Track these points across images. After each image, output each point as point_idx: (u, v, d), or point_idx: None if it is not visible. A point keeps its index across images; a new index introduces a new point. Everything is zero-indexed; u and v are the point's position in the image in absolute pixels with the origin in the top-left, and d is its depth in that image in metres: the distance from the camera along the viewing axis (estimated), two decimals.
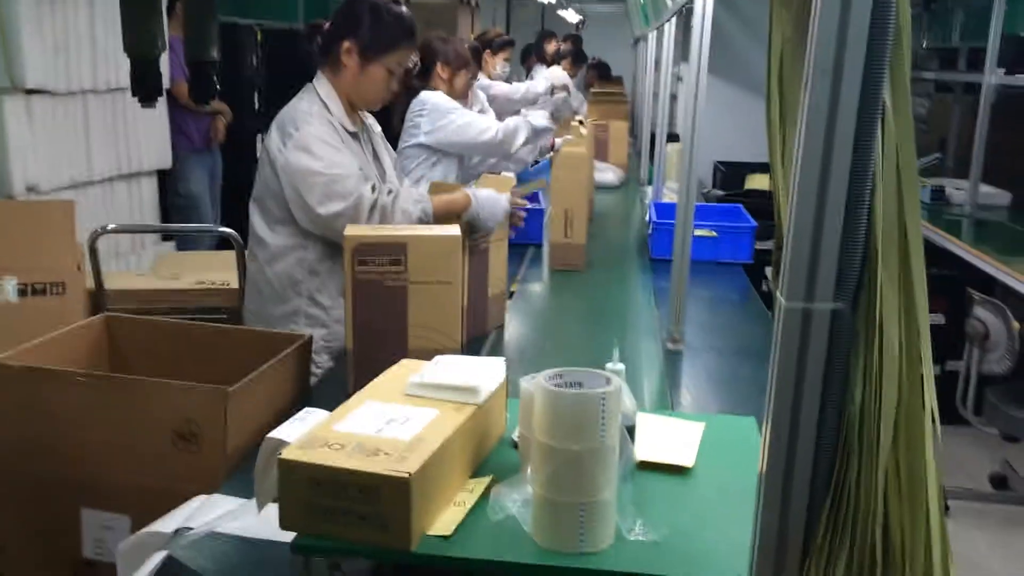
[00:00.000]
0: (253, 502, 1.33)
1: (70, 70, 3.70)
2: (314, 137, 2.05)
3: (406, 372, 1.37)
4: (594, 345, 2.21)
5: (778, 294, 0.88)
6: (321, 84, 2.16)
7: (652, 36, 4.54)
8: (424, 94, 3.12)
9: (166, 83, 4.15)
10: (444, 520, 1.12)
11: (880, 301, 0.85)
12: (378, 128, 2.39)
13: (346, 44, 2.12)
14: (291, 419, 1.23)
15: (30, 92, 3.50)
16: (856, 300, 0.87)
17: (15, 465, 1.71)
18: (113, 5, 3.78)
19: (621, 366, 1.24)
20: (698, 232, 3.03)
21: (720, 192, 4.60)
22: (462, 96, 3.30)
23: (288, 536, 1.22)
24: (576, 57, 7.00)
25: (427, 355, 1.49)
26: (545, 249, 3.11)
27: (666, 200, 3.72)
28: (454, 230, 1.79)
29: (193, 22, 1.62)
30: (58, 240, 2.39)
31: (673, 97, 5.67)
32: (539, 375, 1.10)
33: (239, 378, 1.68)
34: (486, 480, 1.23)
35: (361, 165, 2.15)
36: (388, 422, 1.19)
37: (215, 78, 1.62)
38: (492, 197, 2.18)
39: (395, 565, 1.15)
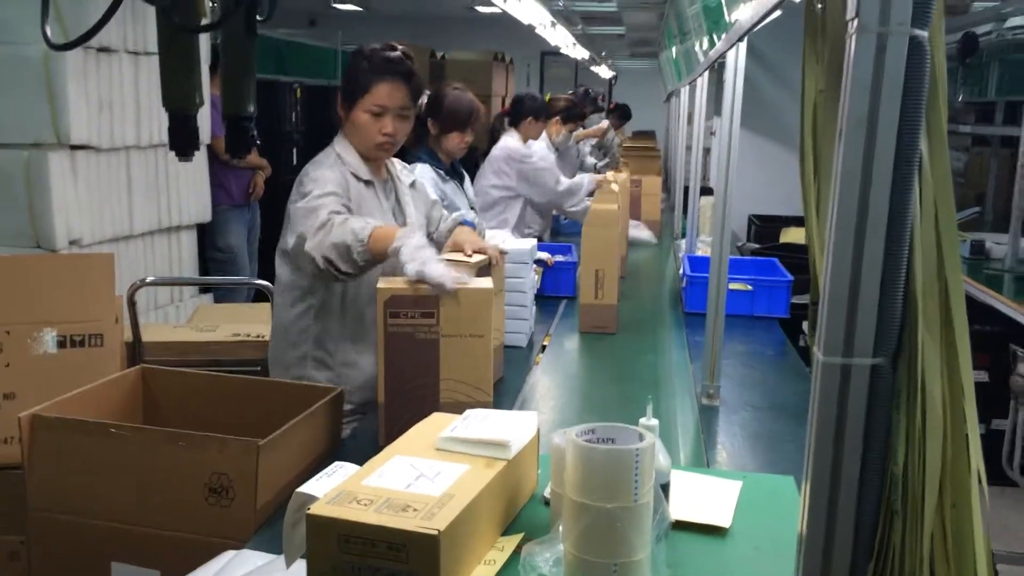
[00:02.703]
0: (281, 558, 1.32)
1: (113, 126, 3.79)
2: (311, 179, 2.10)
3: (436, 426, 1.35)
4: (627, 401, 2.18)
5: (815, 349, 0.86)
6: (338, 139, 2.22)
7: (685, 91, 4.57)
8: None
9: (206, 138, 4.25)
10: None
11: (921, 357, 0.83)
12: (409, 179, 2.36)
13: (339, 97, 2.20)
14: (320, 473, 1.22)
15: (75, 148, 3.59)
16: (897, 356, 0.85)
17: (47, 515, 1.71)
18: (156, 63, 3.90)
19: (655, 422, 1.22)
20: (733, 286, 3.01)
21: (755, 246, 4.58)
22: (450, 157, 3.22)
23: None
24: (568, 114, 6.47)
25: (458, 408, 1.48)
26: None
27: (700, 254, 3.70)
28: (486, 283, 1.79)
29: (230, 77, 1.65)
30: (97, 292, 2.43)
31: (706, 151, 5.69)
32: (571, 430, 1.08)
33: (272, 430, 1.68)
34: (517, 538, 1.21)
35: (371, 213, 2.13)
36: (418, 477, 1.17)
37: (252, 132, 1.65)
38: (421, 247, 1.88)
39: None
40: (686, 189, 4.37)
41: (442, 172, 3.05)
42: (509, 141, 4.01)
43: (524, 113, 4.12)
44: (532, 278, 2.70)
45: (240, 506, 1.62)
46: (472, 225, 2.22)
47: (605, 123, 6.48)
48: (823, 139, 0.98)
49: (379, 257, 1.90)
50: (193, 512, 1.63)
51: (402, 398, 1.76)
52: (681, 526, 1.23)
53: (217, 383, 2.02)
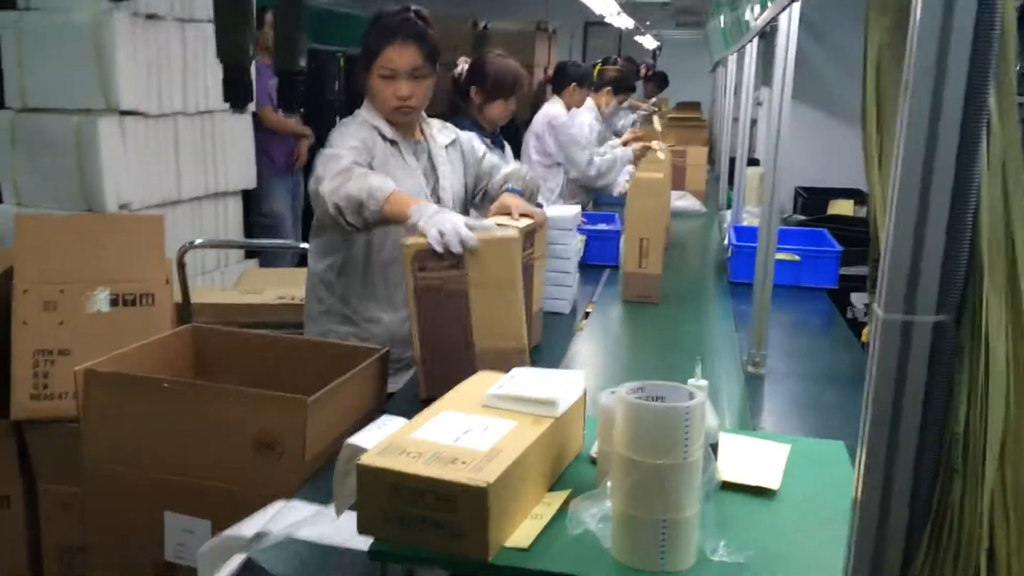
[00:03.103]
0: (329, 509, 1.34)
1: (162, 93, 3.84)
2: (338, 134, 2.14)
3: (483, 384, 1.36)
4: (671, 369, 2.16)
5: (875, 306, 0.85)
6: (365, 104, 2.24)
7: (732, 60, 4.49)
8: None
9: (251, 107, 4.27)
10: (521, 532, 1.11)
11: (986, 314, 0.81)
12: (444, 140, 2.32)
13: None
14: (369, 426, 1.23)
15: (124, 113, 3.63)
16: (960, 313, 0.83)
17: (102, 467, 1.76)
18: (203, 31, 3.93)
19: (704, 382, 1.21)
20: (780, 256, 2.96)
21: (801, 217, 4.50)
22: (492, 126, 3.20)
23: (362, 543, 1.22)
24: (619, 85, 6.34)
25: (493, 358, 1.49)
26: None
27: (746, 224, 3.66)
28: (512, 232, 1.78)
29: (283, 33, 1.66)
30: (148, 253, 2.47)
31: (753, 122, 5.59)
32: (621, 388, 1.08)
33: (319, 389, 1.70)
34: (564, 494, 1.21)
35: (394, 173, 2.13)
36: (465, 432, 1.18)
37: (302, 88, 1.67)
38: (437, 212, 1.86)
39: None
40: (732, 160, 4.31)
41: (486, 141, 3.03)
42: (550, 108, 3.98)
43: (568, 80, 4.08)
44: (575, 245, 2.68)
45: (288, 461, 1.65)
46: (520, 193, 2.20)
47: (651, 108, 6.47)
48: (887, 92, 0.96)
49: (390, 220, 1.92)
50: (243, 465, 1.66)
51: (438, 351, 1.77)
52: (729, 487, 1.22)
53: (266, 343, 2.05)
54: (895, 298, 0.82)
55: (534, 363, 2.08)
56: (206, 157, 4.16)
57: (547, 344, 2.48)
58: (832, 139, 5.08)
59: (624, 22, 7.87)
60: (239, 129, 4.38)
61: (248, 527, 1.42)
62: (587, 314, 2.69)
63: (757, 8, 2.53)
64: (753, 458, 1.32)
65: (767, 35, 3.37)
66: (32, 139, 3.60)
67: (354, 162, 2.02)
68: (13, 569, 2.38)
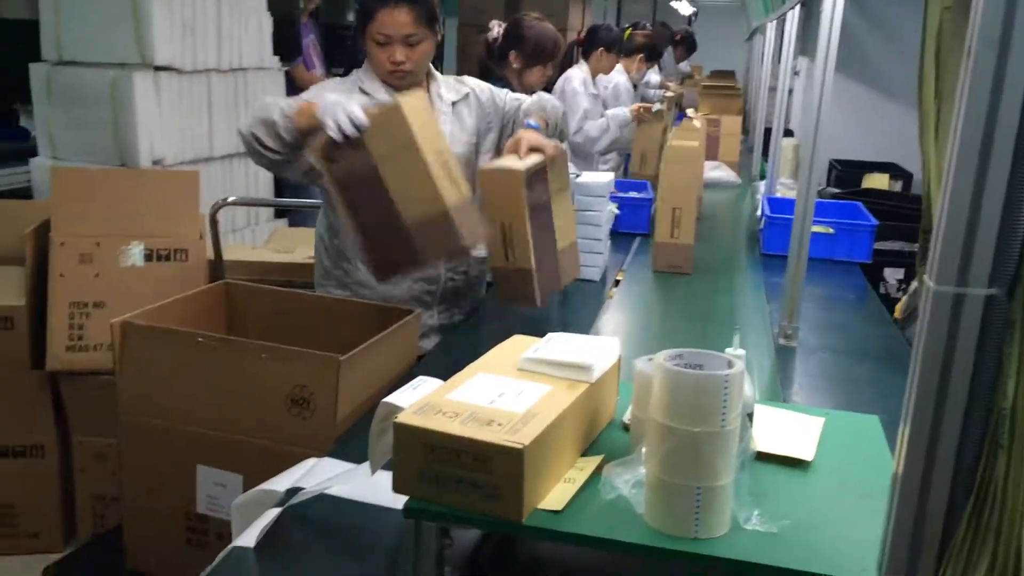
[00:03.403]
0: (361, 467, 1.35)
1: (196, 49, 3.83)
2: (312, 89, 2.13)
3: (518, 347, 1.36)
4: (703, 339, 2.15)
5: (926, 278, 0.83)
6: (364, 65, 2.19)
7: (771, 27, 4.41)
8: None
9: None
10: (555, 495, 1.11)
11: None
12: (452, 97, 2.23)
13: None
14: (405, 386, 1.24)
15: (158, 69, 3.63)
16: (1013, 287, 0.81)
17: (137, 418, 1.78)
18: None
19: (742, 352, 1.20)
20: (815, 228, 2.93)
21: (835, 190, 4.44)
22: (530, 91, 3.18)
23: (393, 502, 1.23)
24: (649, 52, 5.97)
25: (424, 227, 1.69)
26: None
27: (780, 195, 3.61)
28: (404, 98, 1.78)
29: None
30: (183, 209, 2.49)
31: (788, 92, 5.51)
32: (658, 355, 1.07)
33: (350, 348, 1.71)
34: (596, 459, 1.21)
35: None
36: (501, 394, 1.18)
37: (348, 43, 1.67)
38: (337, 102, 1.80)
39: (502, 536, 1.15)
40: (767, 130, 4.25)
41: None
42: (572, 72, 3.92)
43: (597, 43, 4.02)
44: (608, 212, 2.67)
45: (320, 418, 1.67)
46: (536, 128, 2.10)
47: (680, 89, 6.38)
48: (947, 60, 0.93)
49: (304, 130, 1.87)
50: (275, 422, 1.68)
51: (374, 236, 1.80)
52: (762, 457, 1.22)
53: (298, 301, 2.06)
54: (947, 270, 0.81)
55: (566, 328, 2.07)
56: (239, 115, 4.15)
57: (576, 311, 2.48)
58: (869, 112, 5.00)
59: None
60: (271, 87, 4.36)
61: (281, 482, 1.43)
62: (617, 282, 2.68)
63: None
64: (787, 430, 1.31)
65: (809, 3, 3.30)
66: (67, 92, 3.60)
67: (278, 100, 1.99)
68: (47, 517, 2.43)
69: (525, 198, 1.93)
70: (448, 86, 2.26)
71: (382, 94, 2.11)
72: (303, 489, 1.37)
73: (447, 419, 1.10)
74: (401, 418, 1.10)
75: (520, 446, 1.04)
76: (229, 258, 2.87)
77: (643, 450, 1.10)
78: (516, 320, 2.46)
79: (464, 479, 1.07)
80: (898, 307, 2.90)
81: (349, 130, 1.72)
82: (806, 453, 1.24)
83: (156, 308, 1.88)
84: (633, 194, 3.39)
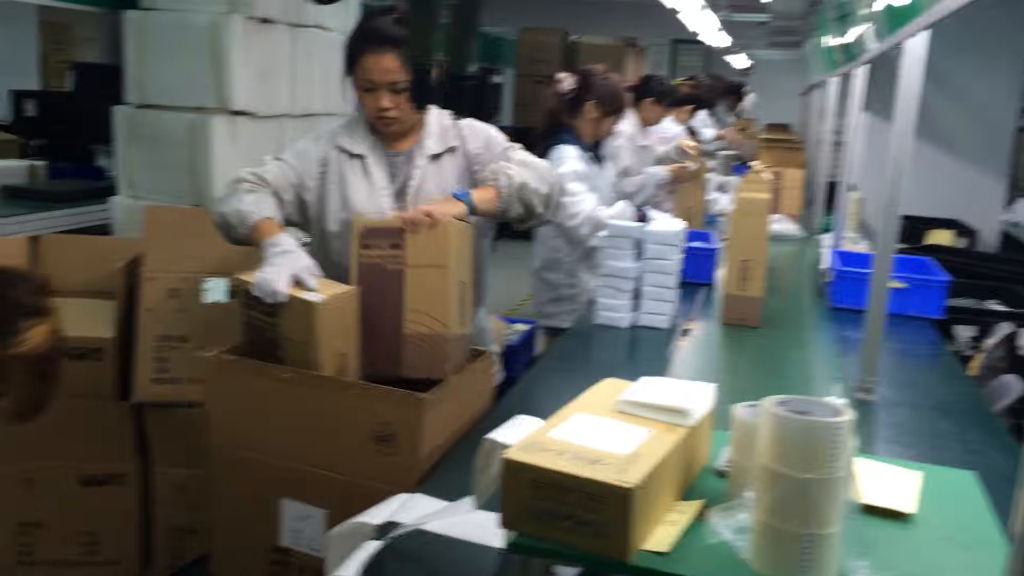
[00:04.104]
0: (457, 504, 1.37)
1: (270, 95, 3.95)
2: (299, 141, 2.16)
3: (611, 389, 1.38)
4: (779, 390, 2.14)
5: None
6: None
7: (834, 82, 4.43)
8: (562, 150, 3.13)
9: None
10: (659, 537, 1.12)
11: None
12: (435, 148, 2.08)
13: None
14: (505, 424, 1.26)
15: (235, 113, 3.76)
16: None
17: (226, 450, 1.82)
18: (311, 35, 4.05)
19: (841, 401, 1.20)
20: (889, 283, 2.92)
21: (902, 245, 4.41)
22: (592, 139, 3.25)
23: (490, 539, 1.25)
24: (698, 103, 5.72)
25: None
26: (719, 298, 3.04)
27: (847, 249, 3.60)
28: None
29: (458, 36, 1.72)
30: None
31: (854, 146, 5.50)
32: (764, 401, 1.08)
33: (430, 384, 1.75)
34: (696, 504, 1.22)
35: (354, 188, 2.05)
36: (603, 434, 1.20)
37: (430, 84, 1.73)
38: (284, 254, 1.84)
39: None
40: (830, 184, 4.25)
41: (589, 154, 3.07)
42: (620, 126, 3.97)
43: (648, 93, 4.08)
44: (678, 261, 2.69)
45: (404, 455, 1.69)
46: (464, 197, 1.93)
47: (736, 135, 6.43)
48: None
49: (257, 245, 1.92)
50: (360, 458, 1.71)
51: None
52: (864, 509, 1.21)
53: None
54: None
55: (634, 376, 2.07)
56: None
57: (645, 359, 2.49)
58: (933, 168, 4.97)
59: (720, 40, 7.82)
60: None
61: (375, 516, 1.46)
62: (686, 331, 2.68)
63: (881, 28, 2.50)
64: (886, 482, 1.30)
65: (875, 61, 3.32)
66: (148, 134, 3.73)
67: (250, 175, 2.03)
68: (126, 546, 2.47)
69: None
70: (437, 136, 2.10)
71: (360, 147, 2.07)
72: (398, 523, 1.39)
73: (554, 456, 1.12)
74: (509, 454, 1.12)
75: (630, 486, 1.05)
76: None
77: (749, 495, 1.11)
78: (585, 366, 2.49)
79: (571, 516, 1.08)
80: (974, 363, 2.86)
81: (267, 299, 1.78)
82: (908, 506, 1.24)
83: (242, 343, 1.93)
84: (697, 243, 3.40)
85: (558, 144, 3.09)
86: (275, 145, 4.01)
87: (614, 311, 2.65)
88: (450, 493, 1.53)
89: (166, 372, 2.37)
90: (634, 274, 2.65)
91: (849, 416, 1.04)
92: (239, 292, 1.88)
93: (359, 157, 2.07)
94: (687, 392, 1.32)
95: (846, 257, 3.23)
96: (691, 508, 1.20)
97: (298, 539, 1.77)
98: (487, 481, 1.21)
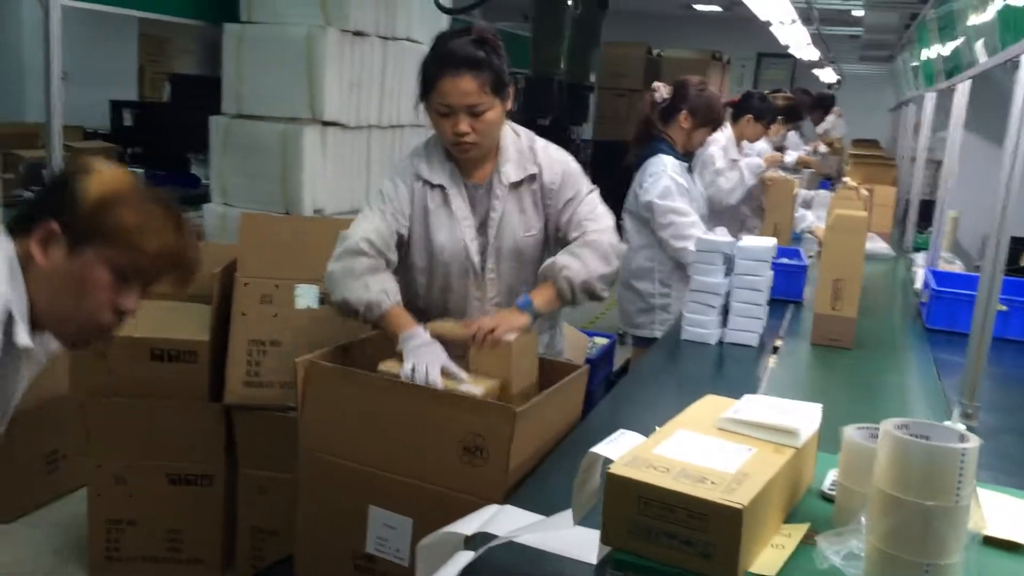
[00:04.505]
0: (552, 518, 1.36)
1: (360, 106, 4.02)
2: (386, 179, 2.07)
3: (714, 407, 1.35)
4: (875, 413, 2.08)
5: None
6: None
7: (931, 97, 4.30)
8: (660, 160, 3.09)
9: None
10: (765, 560, 1.09)
11: None
12: (513, 177, 2.02)
13: None
14: (607, 439, 1.24)
15: (326, 124, 3.83)
16: None
17: (316, 454, 1.84)
18: (401, 48, 4.11)
19: (962, 427, 1.15)
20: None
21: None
22: (686, 149, 3.22)
23: (582, 554, 1.23)
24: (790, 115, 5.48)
25: None
26: (807, 317, 2.96)
27: (943, 268, 3.48)
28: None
29: (577, 46, 1.72)
30: None
31: (937, 163, 5.33)
32: (885, 424, 1.04)
33: (517, 396, 1.74)
34: (802, 527, 1.18)
35: (438, 222, 2.02)
36: (707, 452, 1.17)
37: (553, 93, 1.73)
38: (421, 346, 1.85)
39: None
40: (924, 202, 4.12)
41: (686, 163, 3.05)
42: (716, 135, 3.89)
43: (748, 110, 4.01)
44: (769, 277, 2.63)
45: (493, 467, 1.68)
46: (526, 307, 1.94)
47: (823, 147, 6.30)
48: None
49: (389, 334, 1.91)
50: (448, 468, 1.71)
51: None
52: (985, 541, 1.16)
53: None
54: None
55: (725, 393, 2.02)
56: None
57: (735, 376, 2.44)
58: None
59: (807, 54, 7.68)
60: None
61: (466, 526, 1.45)
62: (775, 348, 2.62)
63: (982, 45, 2.41)
64: (999, 511, 1.24)
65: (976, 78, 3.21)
66: (242, 143, 3.84)
67: (373, 250, 1.95)
68: (209, 546, 2.52)
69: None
70: (515, 161, 2.04)
71: (439, 176, 2.01)
72: (491, 535, 1.38)
73: (659, 473, 1.10)
74: (614, 469, 1.10)
75: (740, 506, 1.02)
76: None
77: (862, 520, 1.07)
78: (673, 382, 2.45)
79: (676, 535, 1.06)
80: None
81: (422, 383, 1.78)
82: (1015, 535, 1.18)
83: (340, 348, 1.96)
84: (785, 260, 3.33)
85: (654, 154, 3.07)
86: (363, 156, 4.08)
87: (702, 327, 2.60)
88: (540, 506, 1.52)
89: (257, 376, 2.41)
90: (724, 290, 2.60)
91: (975, 442, 1.00)
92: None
93: (439, 187, 2.03)
94: (793, 412, 1.29)
95: (941, 277, 3.11)
96: (797, 531, 1.17)
97: (383, 547, 1.78)
98: (587, 495, 1.20)
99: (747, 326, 2.61)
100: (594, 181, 2.18)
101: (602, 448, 1.21)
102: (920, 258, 3.79)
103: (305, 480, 1.87)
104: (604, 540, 1.11)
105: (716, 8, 6.04)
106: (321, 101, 3.73)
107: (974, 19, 2.48)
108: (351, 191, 4.01)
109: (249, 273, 2.45)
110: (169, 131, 5.10)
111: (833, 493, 1.28)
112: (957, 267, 3.75)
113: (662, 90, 3.19)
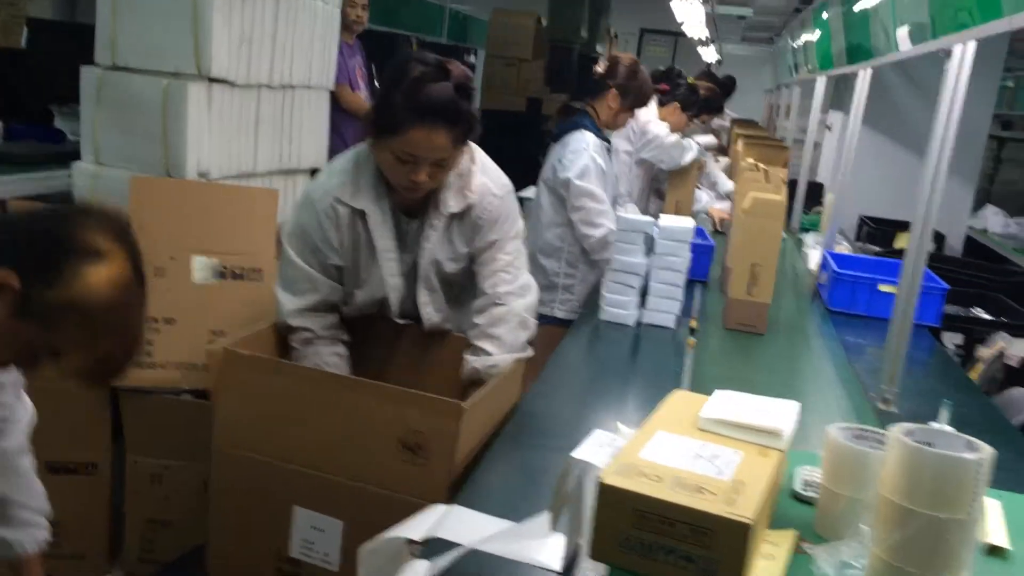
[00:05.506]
0: (522, 525, 1.27)
1: (250, 63, 3.75)
2: (293, 222, 1.92)
3: (686, 404, 1.29)
4: (804, 399, 2.09)
5: None
6: (363, 154, 1.86)
7: (822, 80, 4.40)
8: (581, 137, 3.00)
9: (330, 84, 4.20)
10: (762, 573, 1.03)
11: None
12: (454, 208, 1.86)
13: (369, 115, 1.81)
14: (588, 440, 1.16)
15: (212, 81, 3.55)
16: None
17: (233, 450, 1.68)
18: (294, 4, 3.86)
19: (950, 429, 1.13)
20: (885, 288, 2.90)
21: (875, 248, 4.42)
22: (608, 129, 3.15)
23: (552, 562, 1.15)
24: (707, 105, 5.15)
25: None
26: (714, 298, 2.96)
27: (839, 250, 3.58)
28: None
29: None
30: (259, 227, 2.40)
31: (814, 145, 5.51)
32: (892, 429, 1.00)
33: (438, 381, 1.62)
34: (787, 533, 1.14)
35: (356, 252, 1.88)
36: (695, 457, 1.10)
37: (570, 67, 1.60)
38: None
39: None
40: (810, 184, 4.22)
41: (607, 143, 2.98)
42: (650, 113, 3.83)
43: (676, 98, 3.92)
44: (687, 258, 2.61)
45: (435, 466, 1.58)
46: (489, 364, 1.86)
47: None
48: None
49: None
50: (385, 467, 1.59)
51: None
52: None
53: (399, 331, 1.97)
54: None
55: (656, 373, 1.96)
56: (283, 132, 4.08)
57: (657, 358, 2.41)
58: (902, 169, 4.99)
59: (700, 32, 7.78)
60: (316, 106, 4.30)
61: (413, 530, 1.34)
62: (691, 330, 2.60)
63: (906, 33, 2.44)
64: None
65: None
66: (118, 98, 3.50)
67: (304, 333, 1.86)
68: (94, 539, 2.30)
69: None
70: (456, 189, 1.87)
71: (364, 201, 1.84)
72: (448, 542, 1.28)
73: (651, 482, 1.02)
74: (608, 479, 1.02)
75: (748, 520, 0.96)
76: None
77: (862, 529, 1.03)
78: (599, 364, 2.40)
79: (675, 550, 0.99)
80: (975, 374, 2.85)
81: None
82: (1001, 539, 1.17)
83: (253, 335, 1.79)
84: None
85: (576, 128, 2.98)
86: (252, 117, 3.82)
87: (622, 307, 2.56)
88: (487, 505, 1.43)
89: (149, 356, 2.19)
90: (644, 270, 2.56)
91: (989, 452, 0.97)
92: None
93: (360, 213, 1.85)
94: (770, 410, 1.24)
95: (842, 260, 3.20)
96: (784, 539, 1.13)
97: (309, 550, 1.65)
98: (569, 504, 1.11)
99: (665, 307, 2.59)
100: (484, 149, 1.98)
101: (585, 454, 1.12)
102: (810, 238, 3.90)
103: (220, 477, 1.71)
104: (593, 554, 1.02)
105: None
106: (208, 55, 3.43)
107: (895, 6, 2.51)
108: (238, 153, 3.73)
109: (141, 244, 2.21)
110: (28, 81, 4.63)
111: (808, 495, 1.24)
112: (845, 248, 3.87)
113: (602, 65, 3.11)
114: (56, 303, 1.15)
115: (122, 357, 1.27)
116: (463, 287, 1.99)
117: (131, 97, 3.46)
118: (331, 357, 1.88)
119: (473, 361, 1.87)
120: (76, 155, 3.54)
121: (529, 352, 1.94)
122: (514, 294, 1.92)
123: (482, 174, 1.90)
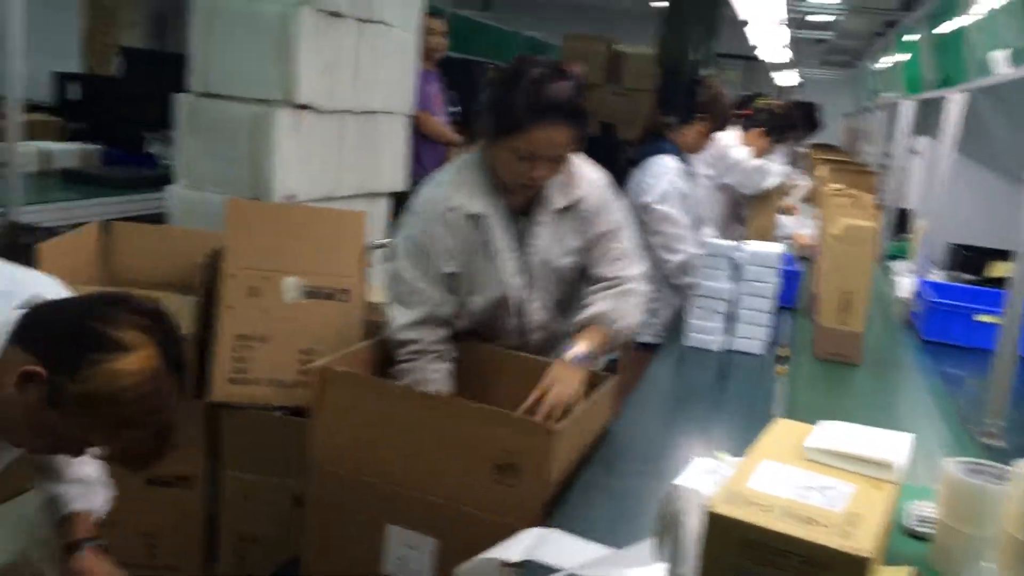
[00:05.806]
0: (623, 552, 1.25)
1: (334, 89, 3.85)
2: (405, 237, 1.94)
3: (790, 433, 1.25)
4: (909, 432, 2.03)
5: None
6: (472, 160, 1.92)
7: (908, 106, 4.31)
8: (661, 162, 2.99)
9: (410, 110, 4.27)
10: None
11: None
12: (561, 202, 1.90)
13: (483, 117, 1.86)
14: (689, 468, 1.14)
15: (298, 107, 3.65)
16: None
17: (329, 467, 1.71)
18: (379, 31, 3.94)
19: None
20: (984, 318, 2.80)
21: (969, 276, 4.27)
22: (689, 152, 3.13)
23: None
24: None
25: None
26: (803, 324, 2.89)
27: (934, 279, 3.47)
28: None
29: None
30: (346, 248, 2.45)
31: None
32: (1019, 465, 0.96)
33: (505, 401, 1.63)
34: (902, 570, 1.10)
35: (473, 254, 1.89)
36: (806, 488, 1.07)
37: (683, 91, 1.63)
38: None
39: None
40: (902, 211, 4.12)
41: (689, 168, 2.97)
42: (730, 137, 3.78)
43: (760, 123, 3.86)
44: (775, 284, 2.56)
45: (527, 487, 1.58)
46: (581, 359, 1.83)
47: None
48: None
49: None
50: (478, 487, 1.60)
51: None
52: None
53: (494, 357, 1.98)
54: None
55: (743, 403, 1.90)
56: (366, 156, 4.17)
57: (744, 386, 2.37)
58: (996, 197, 4.84)
59: (779, 56, 7.69)
60: (396, 131, 4.39)
61: (508, 552, 1.34)
62: (780, 359, 2.54)
63: (1004, 56, 2.37)
64: None
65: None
66: (209, 124, 3.63)
67: (431, 340, 1.88)
68: (187, 552, 2.35)
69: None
70: (561, 186, 1.91)
71: (479, 205, 1.87)
72: (543, 564, 1.27)
73: (761, 512, 1.00)
74: (716, 508, 1.00)
75: (866, 555, 0.93)
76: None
77: (983, 567, 0.99)
78: (687, 391, 2.38)
79: None
80: None
81: None
82: None
83: (350, 353, 1.82)
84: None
85: (657, 152, 2.97)
86: (335, 142, 3.91)
87: (707, 333, 2.53)
88: (582, 528, 1.42)
89: (244, 373, 2.25)
90: (729, 296, 2.53)
91: None
92: None
93: (476, 217, 1.88)
94: (880, 441, 1.20)
95: (939, 288, 3.10)
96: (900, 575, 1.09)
97: (402, 568, 1.66)
98: (676, 533, 1.09)
99: (753, 333, 2.55)
100: None
101: (690, 480, 1.10)
102: (900, 266, 3.79)
103: (316, 494, 1.74)
104: None
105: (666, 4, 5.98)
106: (295, 83, 3.53)
107: (991, 29, 2.44)
108: (323, 177, 3.83)
109: (237, 264, 2.27)
110: (122, 107, 4.82)
111: (923, 530, 1.20)
112: (937, 276, 3.76)
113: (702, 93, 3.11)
114: (78, 395, 1.20)
115: (150, 445, 1.30)
116: (572, 287, 2.00)
117: (221, 123, 3.58)
118: (434, 373, 1.86)
119: (594, 312, 1.89)
120: (168, 179, 3.67)
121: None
122: (637, 278, 1.98)
123: (582, 171, 1.96)
